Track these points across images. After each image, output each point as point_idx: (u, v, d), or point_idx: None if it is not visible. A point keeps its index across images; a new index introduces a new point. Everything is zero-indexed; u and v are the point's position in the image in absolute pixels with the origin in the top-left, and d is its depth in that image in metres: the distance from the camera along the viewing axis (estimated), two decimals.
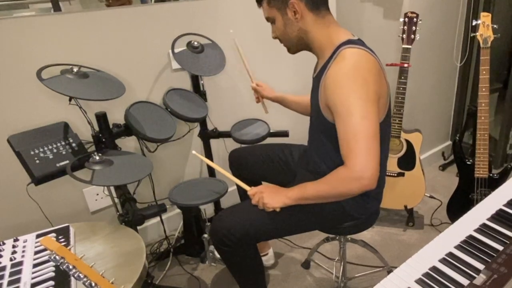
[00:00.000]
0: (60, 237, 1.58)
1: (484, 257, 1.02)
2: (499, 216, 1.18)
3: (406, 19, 2.36)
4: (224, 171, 1.84)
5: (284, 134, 2.44)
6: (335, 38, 1.56)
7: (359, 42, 1.54)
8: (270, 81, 2.83)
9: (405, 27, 2.36)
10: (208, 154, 2.64)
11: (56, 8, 2.09)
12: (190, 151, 2.74)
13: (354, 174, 1.41)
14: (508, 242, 1.04)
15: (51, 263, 1.40)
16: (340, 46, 1.51)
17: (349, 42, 1.52)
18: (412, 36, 2.35)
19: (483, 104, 2.19)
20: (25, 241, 1.55)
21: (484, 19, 2.20)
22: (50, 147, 1.81)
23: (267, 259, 2.44)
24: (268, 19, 1.66)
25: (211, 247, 2.36)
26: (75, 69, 1.84)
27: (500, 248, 1.05)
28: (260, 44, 2.77)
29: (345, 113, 1.43)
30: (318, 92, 1.58)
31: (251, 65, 2.50)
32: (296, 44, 1.66)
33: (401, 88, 2.37)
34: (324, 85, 1.52)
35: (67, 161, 1.80)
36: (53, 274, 1.36)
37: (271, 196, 1.60)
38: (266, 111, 2.29)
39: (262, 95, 2.21)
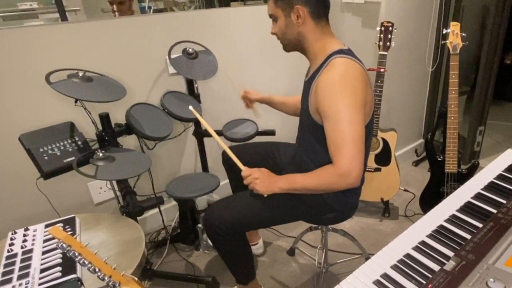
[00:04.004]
0: (66, 226, 1.58)
1: (454, 245, 1.02)
2: (468, 208, 1.17)
3: (382, 27, 2.36)
4: (223, 144, 1.83)
5: (271, 133, 2.44)
6: (328, 46, 1.56)
7: (348, 52, 1.55)
8: (264, 83, 2.85)
9: (382, 35, 2.36)
10: (202, 151, 2.65)
11: (63, 18, 2.09)
12: (185, 149, 2.74)
13: (341, 172, 1.42)
14: (475, 231, 1.03)
15: (59, 251, 1.41)
16: (332, 55, 1.52)
17: (340, 51, 1.53)
18: (388, 43, 2.36)
19: (452, 106, 2.21)
20: (35, 231, 1.56)
21: (454, 28, 2.21)
22: (57, 144, 1.81)
23: (257, 248, 2.45)
24: (271, 16, 1.63)
25: (205, 236, 2.37)
26: (81, 74, 1.84)
27: (468, 237, 1.04)
28: (250, 52, 2.79)
29: (334, 118, 1.44)
30: (308, 96, 1.58)
31: (242, 72, 2.51)
32: (293, 45, 1.64)
33: (377, 91, 2.38)
34: (315, 91, 1.52)
35: (73, 158, 1.79)
36: (60, 260, 1.37)
37: (263, 184, 1.60)
38: (258, 115, 2.30)
39: (250, 99, 2.19)
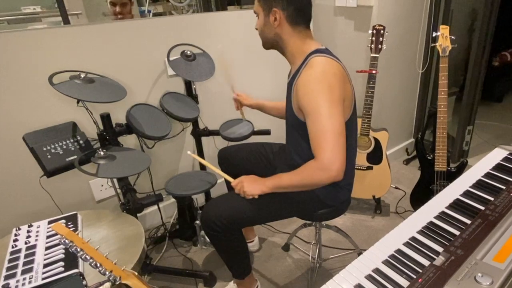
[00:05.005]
0: (69, 223, 1.58)
1: (443, 241, 1.03)
2: (456, 205, 1.18)
3: (374, 31, 2.36)
4: (212, 166, 1.87)
5: (267, 132, 2.44)
6: (306, 47, 1.58)
7: (325, 51, 1.57)
8: (253, 88, 2.85)
9: (373, 38, 2.36)
10: (200, 150, 2.65)
11: (66, 22, 2.10)
12: (183, 148, 2.74)
13: (322, 166, 1.42)
14: (464, 227, 1.03)
15: (61, 246, 1.41)
16: (310, 55, 1.54)
17: (317, 51, 1.55)
18: (380, 46, 2.36)
19: (442, 106, 2.21)
20: (38, 227, 1.56)
21: (443, 31, 2.21)
22: (60, 143, 1.81)
23: (253, 245, 2.45)
24: (255, 12, 1.66)
25: (202, 232, 2.37)
26: (82, 75, 1.84)
27: (457, 233, 1.06)
28: (246, 54, 2.79)
29: (314, 114, 1.45)
30: (291, 96, 1.60)
31: (238, 73, 2.49)
32: (270, 43, 1.67)
33: (369, 92, 2.38)
34: (296, 89, 1.53)
35: (75, 156, 1.79)
36: (63, 256, 1.37)
37: (250, 185, 1.63)
38: (244, 118, 2.32)
39: (242, 103, 2.20)
